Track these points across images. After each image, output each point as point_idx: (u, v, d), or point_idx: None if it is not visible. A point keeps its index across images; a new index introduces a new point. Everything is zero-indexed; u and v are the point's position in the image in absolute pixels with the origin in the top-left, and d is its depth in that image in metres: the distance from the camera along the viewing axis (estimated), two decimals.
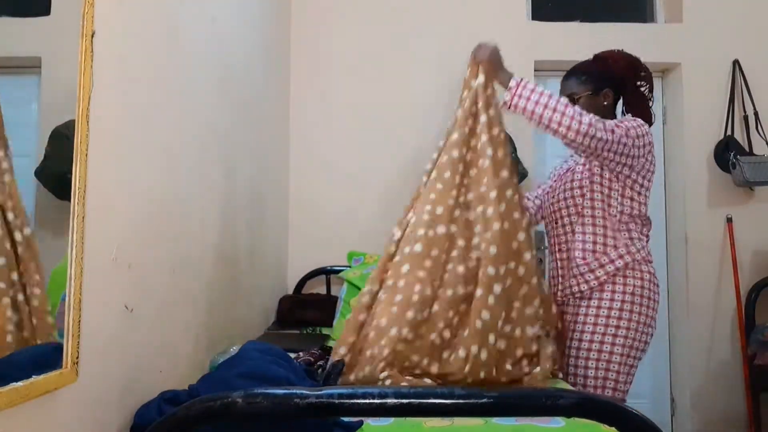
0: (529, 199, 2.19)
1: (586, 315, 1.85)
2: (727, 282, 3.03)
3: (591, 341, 1.82)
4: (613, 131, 1.76)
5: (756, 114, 3.04)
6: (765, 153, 2.97)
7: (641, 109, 2.03)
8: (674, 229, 3.17)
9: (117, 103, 1.20)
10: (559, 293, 1.96)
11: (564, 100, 1.75)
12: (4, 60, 0.91)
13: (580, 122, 1.70)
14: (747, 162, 2.89)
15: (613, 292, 1.84)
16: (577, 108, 1.74)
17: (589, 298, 1.86)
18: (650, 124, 2.00)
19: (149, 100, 1.36)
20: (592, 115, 1.75)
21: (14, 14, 0.95)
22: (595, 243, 1.86)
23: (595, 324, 1.83)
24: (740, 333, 2.98)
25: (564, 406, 0.83)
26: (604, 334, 1.81)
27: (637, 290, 1.84)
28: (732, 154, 2.94)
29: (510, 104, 1.76)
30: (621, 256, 1.85)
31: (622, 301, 1.82)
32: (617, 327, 1.81)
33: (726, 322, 3.05)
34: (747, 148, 3.03)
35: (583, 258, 1.87)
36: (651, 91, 2.06)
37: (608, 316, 1.82)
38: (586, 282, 1.87)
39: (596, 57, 2.07)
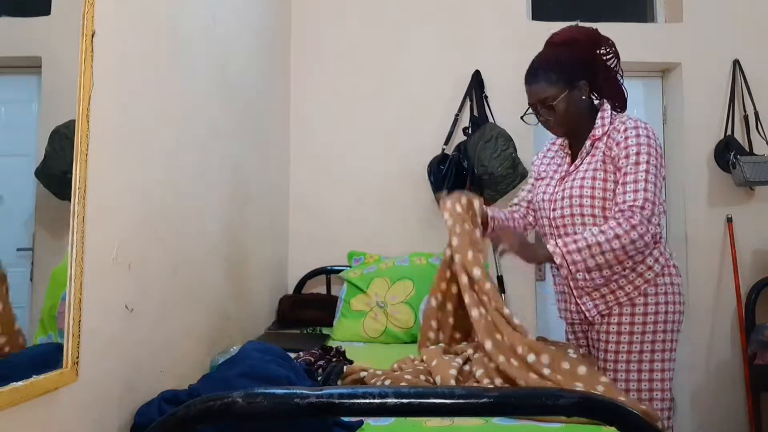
0: (519, 205, 2.02)
1: (619, 324, 1.74)
2: (727, 282, 3.03)
3: (629, 351, 1.73)
4: (656, 176, 1.64)
5: (756, 114, 3.04)
6: (765, 153, 2.96)
7: (614, 88, 1.83)
8: (674, 229, 3.17)
9: (117, 103, 1.20)
10: (583, 305, 1.78)
11: (602, 238, 1.59)
12: (4, 60, 0.91)
13: (638, 230, 1.59)
14: (747, 162, 2.88)
15: (656, 294, 1.73)
16: (610, 229, 1.60)
17: (633, 305, 1.72)
18: (625, 101, 1.85)
19: (149, 99, 1.36)
20: (631, 201, 1.61)
21: (14, 14, 0.95)
22: None
23: (632, 333, 1.72)
24: (740, 333, 2.98)
25: (564, 406, 0.83)
26: (642, 342, 1.72)
27: (669, 288, 1.74)
28: (732, 153, 2.94)
29: (572, 277, 1.67)
30: (656, 259, 1.74)
31: (656, 304, 1.72)
32: (654, 332, 1.72)
33: (726, 322, 3.05)
34: (747, 148, 3.03)
35: (622, 271, 1.72)
36: (618, 61, 1.83)
37: (644, 323, 1.72)
38: (626, 294, 1.73)
39: (553, 44, 1.82)
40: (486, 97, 3.02)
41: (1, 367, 0.87)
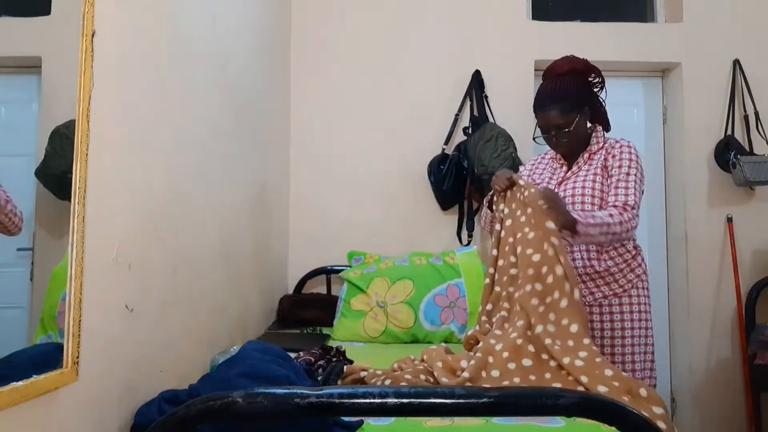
0: None
1: (621, 312, 1.98)
2: (727, 282, 3.03)
3: (631, 336, 1.98)
4: (640, 191, 1.92)
5: (756, 113, 3.04)
6: (765, 152, 2.96)
7: (601, 112, 2.07)
8: (674, 229, 3.17)
9: (117, 103, 1.20)
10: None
11: (611, 221, 1.81)
12: (4, 60, 0.91)
13: (630, 224, 1.84)
14: (747, 162, 2.88)
15: (643, 288, 2.01)
16: (614, 215, 1.82)
17: (629, 296, 1.99)
18: (608, 123, 2.09)
19: (149, 100, 1.36)
20: (623, 201, 1.87)
21: (14, 14, 0.95)
22: (619, 248, 1.99)
23: (632, 320, 1.98)
24: (740, 333, 2.98)
25: (564, 406, 0.83)
26: (633, 329, 1.98)
27: (647, 284, 2.03)
28: (732, 153, 2.94)
29: (575, 239, 1.84)
30: (643, 258, 2.02)
31: (645, 297, 2.01)
32: (646, 320, 1.99)
33: (726, 322, 3.05)
34: (747, 148, 3.03)
35: (616, 265, 1.98)
36: (603, 87, 2.07)
37: (640, 311, 1.99)
38: (621, 286, 1.99)
39: (559, 75, 2.03)
40: (486, 97, 3.02)
41: (1, 366, 0.87)
